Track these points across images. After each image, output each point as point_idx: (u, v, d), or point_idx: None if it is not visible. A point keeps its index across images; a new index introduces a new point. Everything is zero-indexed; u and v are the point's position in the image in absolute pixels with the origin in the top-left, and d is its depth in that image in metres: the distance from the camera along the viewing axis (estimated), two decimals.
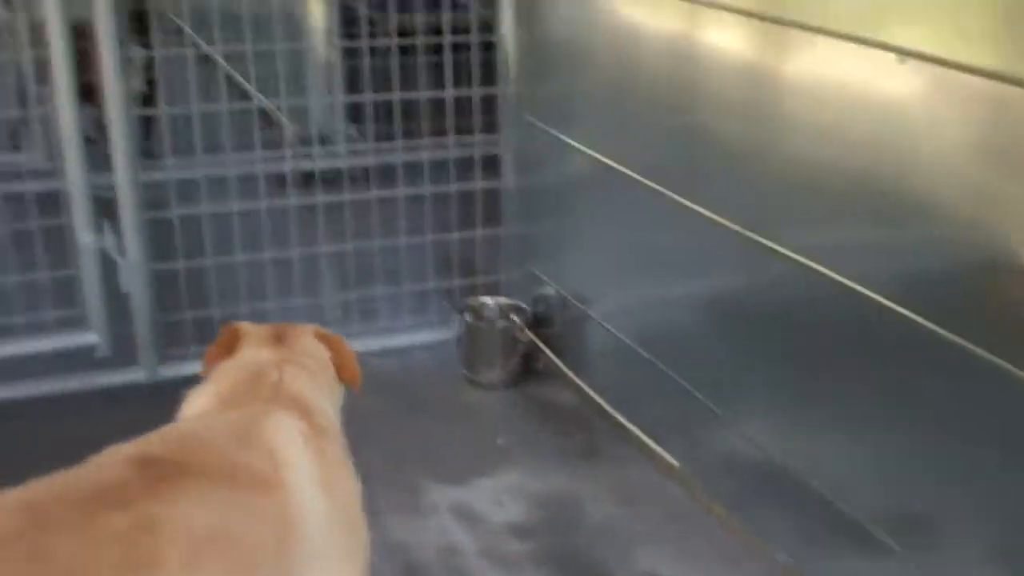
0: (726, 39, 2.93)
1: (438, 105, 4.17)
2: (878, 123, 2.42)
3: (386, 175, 4.29)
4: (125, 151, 3.63)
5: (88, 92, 4.51)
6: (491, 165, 4.20)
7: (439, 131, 4.23)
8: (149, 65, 5.20)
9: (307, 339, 2.17)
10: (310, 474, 1.82)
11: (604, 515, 3.29)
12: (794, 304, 2.82)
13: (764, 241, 2.84)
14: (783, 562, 2.99)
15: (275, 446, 1.82)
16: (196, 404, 2.01)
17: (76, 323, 3.68)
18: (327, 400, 2.07)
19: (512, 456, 3.49)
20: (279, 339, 2.14)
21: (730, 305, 3.11)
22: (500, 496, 3.37)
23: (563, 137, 3.72)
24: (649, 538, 3.17)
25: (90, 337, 3.64)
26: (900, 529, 2.56)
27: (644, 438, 3.60)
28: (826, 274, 2.62)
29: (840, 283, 2.58)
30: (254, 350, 2.10)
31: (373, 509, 2.77)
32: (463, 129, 4.14)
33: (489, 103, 4.16)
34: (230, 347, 2.11)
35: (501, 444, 3.47)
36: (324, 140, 5.43)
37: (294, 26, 5.56)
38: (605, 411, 3.79)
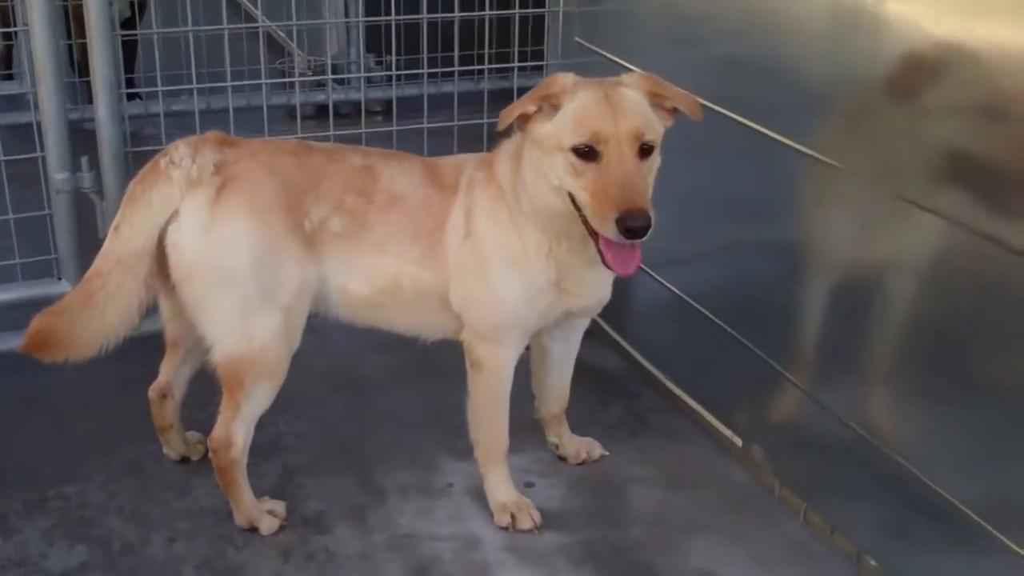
0: None
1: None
2: None
3: (410, 108, 3.78)
4: (106, 79, 3.17)
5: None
6: None
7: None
8: None
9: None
10: (465, 207, 2.53)
11: (653, 501, 2.80)
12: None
13: None
14: (866, 561, 2.50)
15: (461, 175, 2.57)
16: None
17: (46, 271, 3.31)
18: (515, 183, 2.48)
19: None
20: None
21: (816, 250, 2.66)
22: (531, 477, 2.88)
23: (619, 61, 3.21)
24: (706, 529, 2.71)
25: (62, 287, 3.24)
26: (1013, 522, 2.18)
27: (701, 410, 3.13)
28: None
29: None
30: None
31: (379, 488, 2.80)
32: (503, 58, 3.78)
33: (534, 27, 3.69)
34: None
35: (535, 416, 2.96)
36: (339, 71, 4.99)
37: None
38: (654, 377, 3.30)
